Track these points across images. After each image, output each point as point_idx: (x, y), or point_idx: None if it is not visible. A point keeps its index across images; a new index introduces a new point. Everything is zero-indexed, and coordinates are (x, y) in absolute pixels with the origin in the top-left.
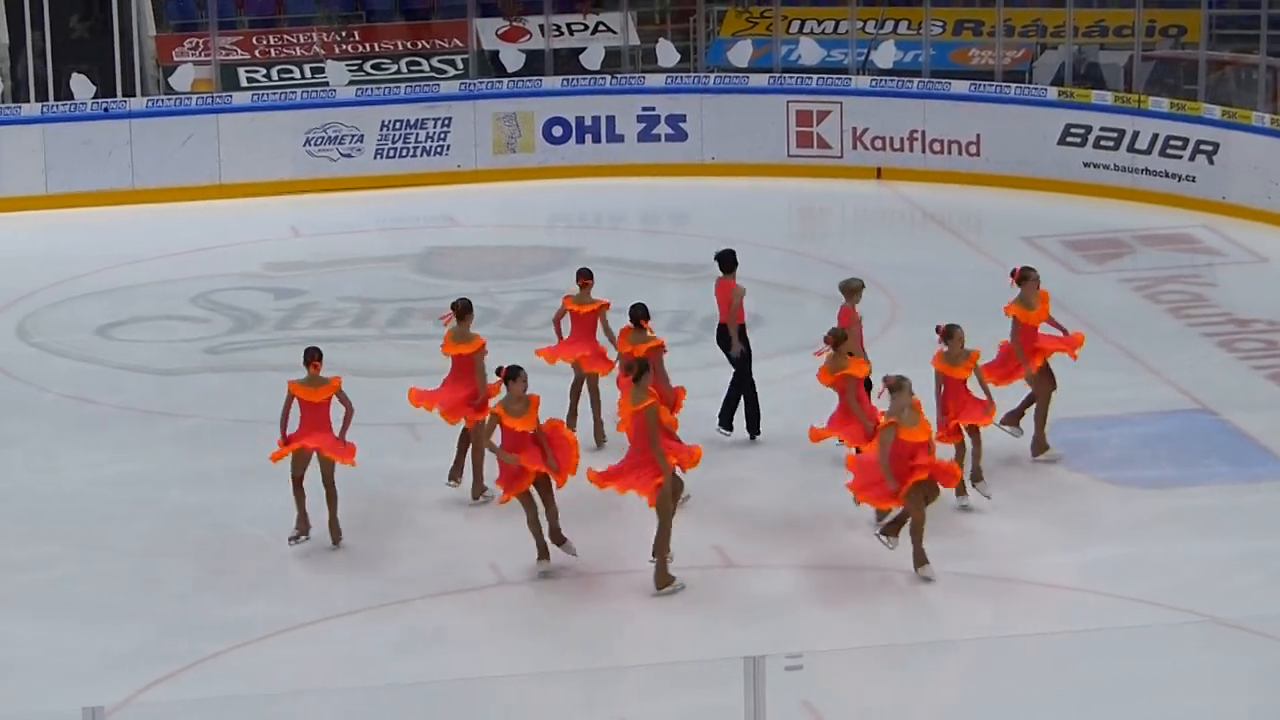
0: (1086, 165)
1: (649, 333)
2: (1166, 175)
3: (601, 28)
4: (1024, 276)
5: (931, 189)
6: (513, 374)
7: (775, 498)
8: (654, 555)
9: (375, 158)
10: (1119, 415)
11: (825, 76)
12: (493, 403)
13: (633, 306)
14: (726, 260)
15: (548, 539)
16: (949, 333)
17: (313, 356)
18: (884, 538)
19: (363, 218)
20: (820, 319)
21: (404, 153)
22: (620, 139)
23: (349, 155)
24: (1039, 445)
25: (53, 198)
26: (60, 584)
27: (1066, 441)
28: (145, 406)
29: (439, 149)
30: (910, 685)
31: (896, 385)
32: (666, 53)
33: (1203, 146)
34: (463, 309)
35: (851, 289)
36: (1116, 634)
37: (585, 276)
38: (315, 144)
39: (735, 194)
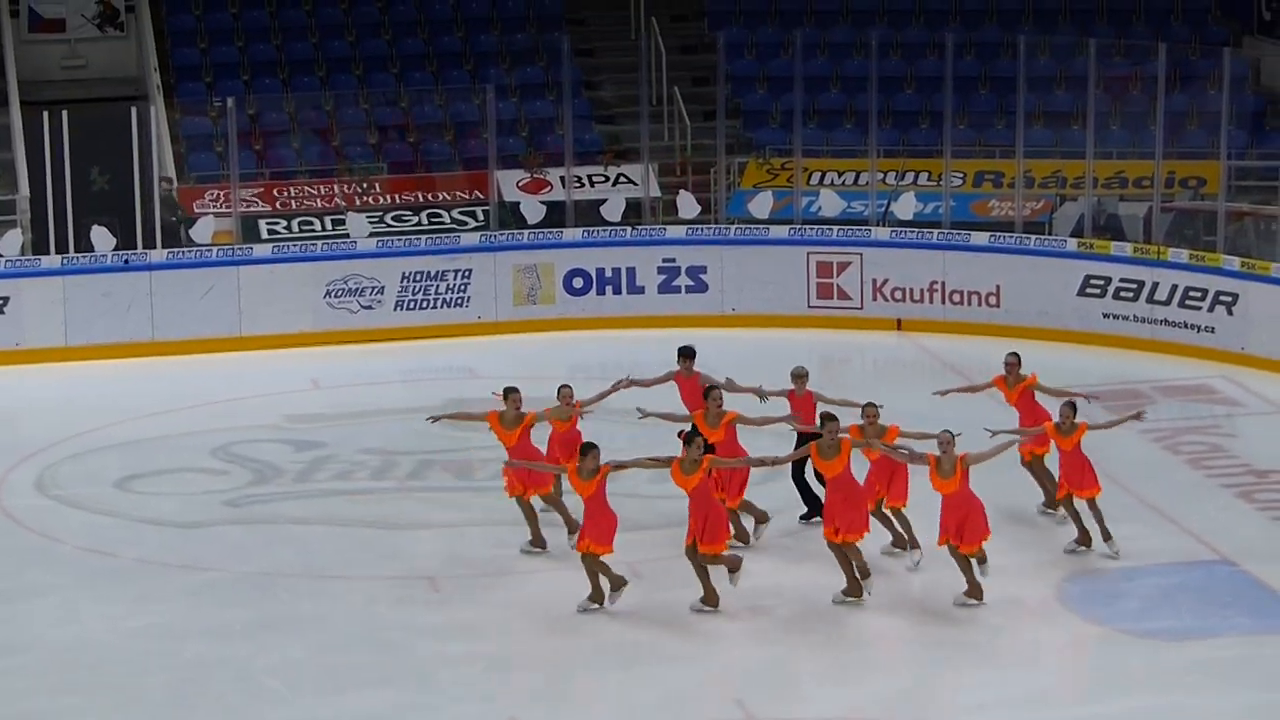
0: (1106, 316)
1: None
2: (1186, 326)
3: (622, 179)
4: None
5: (952, 340)
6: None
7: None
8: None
9: (395, 309)
10: (1139, 566)
11: (845, 228)
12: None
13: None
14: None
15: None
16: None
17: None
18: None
19: (383, 369)
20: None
21: (424, 304)
22: (641, 290)
23: (369, 307)
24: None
25: (73, 350)
26: None
27: (1088, 593)
28: (164, 559)
29: (459, 300)
30: None
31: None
32: (687, 204)
33: (1222, 297)
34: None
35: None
36: None
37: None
38: (335, 295)
39: (756, 345)
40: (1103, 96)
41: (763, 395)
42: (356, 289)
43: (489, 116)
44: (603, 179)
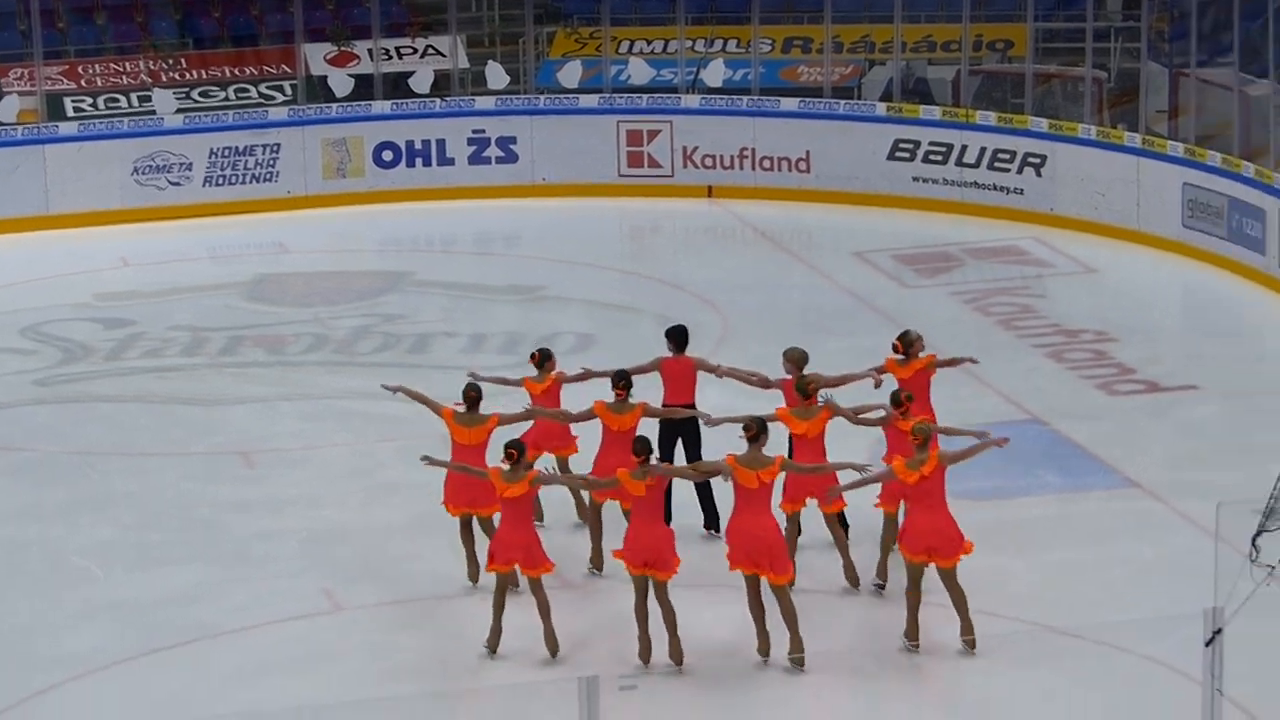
0: (916, 180)
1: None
2: (995, 188)
3: (430, 51)
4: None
5: (762, 206)
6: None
7: None
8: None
9: (204, 185)
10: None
11: (655, 96)
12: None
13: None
14: (679, 337)
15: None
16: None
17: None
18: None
19: (192, 246)
20: (652, 338)
21: (233, 180)
22: (451, 162)
23: (177, 184)
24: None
25: None
26: None
27: None
28: None
29: (268, 175)
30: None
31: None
32: (496, 75)
33: (1030, 159)
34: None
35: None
36: (951, 647)
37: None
38: (143, 173)
39: (567, 215)
40: None
41: (767, 384)
42: (164, 166)
43: None
44: (410, 51)
